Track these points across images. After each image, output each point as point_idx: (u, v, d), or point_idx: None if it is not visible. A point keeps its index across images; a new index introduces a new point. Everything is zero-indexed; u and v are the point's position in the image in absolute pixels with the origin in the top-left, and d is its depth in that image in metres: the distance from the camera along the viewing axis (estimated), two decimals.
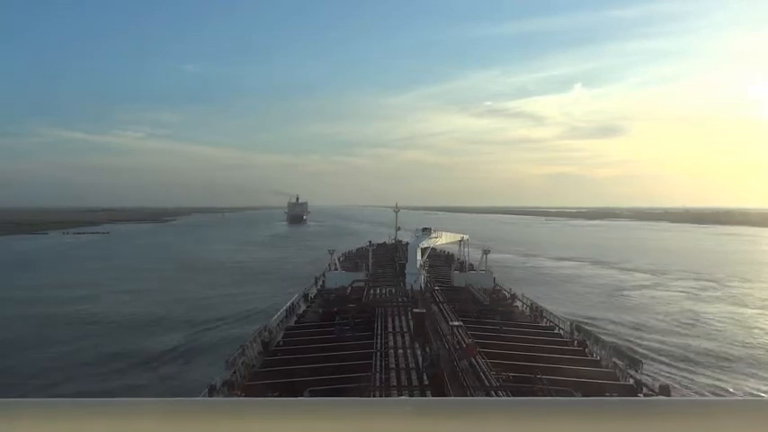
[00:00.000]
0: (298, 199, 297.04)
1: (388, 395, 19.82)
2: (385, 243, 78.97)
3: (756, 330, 45.94)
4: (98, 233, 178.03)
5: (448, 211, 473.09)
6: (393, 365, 23.49)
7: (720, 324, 47.64)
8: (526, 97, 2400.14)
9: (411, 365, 23.50)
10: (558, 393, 19.01)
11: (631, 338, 41.23)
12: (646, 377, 22.47)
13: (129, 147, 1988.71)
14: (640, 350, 36.03)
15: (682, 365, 34.96)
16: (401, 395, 19.86)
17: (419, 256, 42.60)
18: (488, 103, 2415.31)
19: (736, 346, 40.45)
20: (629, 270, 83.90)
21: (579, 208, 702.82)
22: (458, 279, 46.53)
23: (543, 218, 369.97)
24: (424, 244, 44.95)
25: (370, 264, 53.43)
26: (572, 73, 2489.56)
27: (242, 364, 23.09)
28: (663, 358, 36.12)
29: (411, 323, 29.64)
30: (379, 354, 24.79)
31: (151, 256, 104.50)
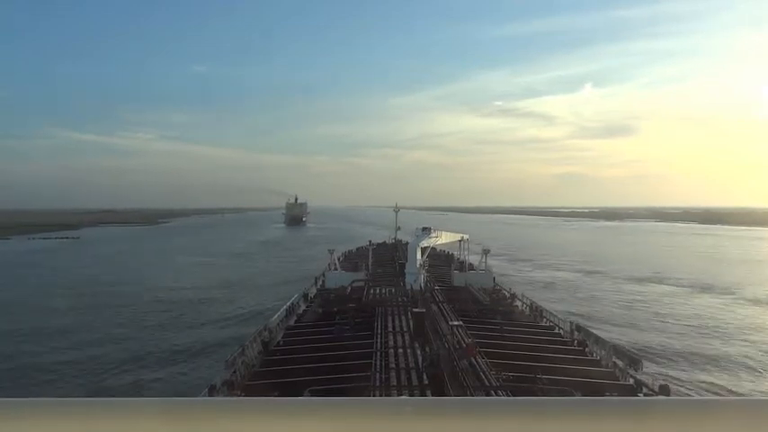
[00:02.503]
0: (297, 199, 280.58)
1: (388, 395, 19.82)
2: (385, 243, 79.00)
3: None
4: (66, 238, 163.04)
5: (456, 212, 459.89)
6: (393, 365, 23.49)
7: None
8: (536, 97, 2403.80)
9: (411, 365, 23.50)
10: (558, 393, 19.01)
11: None
12: (646, 377, 22.46)
13: (138, 148, 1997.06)
14: None
15: None
16: (401, 395, 19.86)
17: (419, 256, 42.61)
18: (498, 103, 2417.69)
19: None
20: None
21: (591, 208, 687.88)
22: (458, 279, 46.53)
23: (560, 219, 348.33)
24: (424, 244, 44.98)
25: (369, 263, 53.42)
26: (582, 73, 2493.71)
27: (242, 363, 23.11)
28: None
29: (411, 323, 29.64)
30: (378, 353, 24.79)
31: (83, 273, 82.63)
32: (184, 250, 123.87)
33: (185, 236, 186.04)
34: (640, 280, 74.05)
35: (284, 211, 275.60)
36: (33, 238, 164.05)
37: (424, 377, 21.86)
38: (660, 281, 73.28)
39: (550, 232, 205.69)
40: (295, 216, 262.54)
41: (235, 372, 22.17)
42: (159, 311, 53.26)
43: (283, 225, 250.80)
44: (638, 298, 61.36)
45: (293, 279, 63.76)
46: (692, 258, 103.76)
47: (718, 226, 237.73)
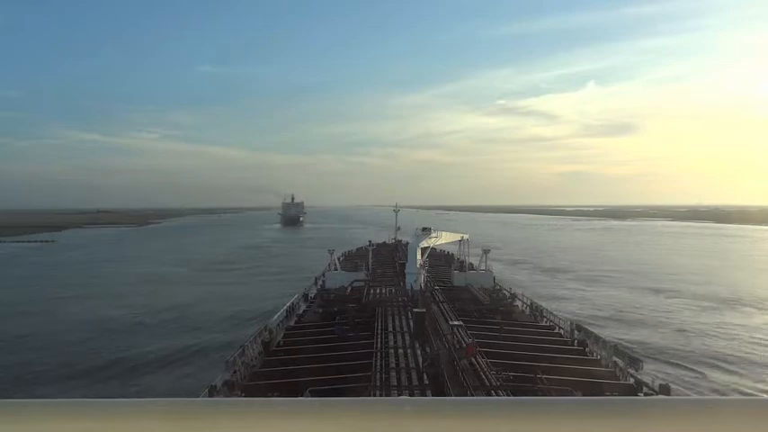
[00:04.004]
0: (293, 198, 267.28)
1: (388, 395, 19.81)
2: (385, 243, 78.95)
3: None
4: (40, 242, 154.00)
5: (459, 211, 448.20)
6: (393, 365, 23.50)
7: None
8: (539, 95, 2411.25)
9: (411, 365, 23.51)
10: (558, 393, 19.00)
11: None
12: (646, 377, 22.46)
13: (142, 148, 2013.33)
14: None
15: None
16: (401, 395, 19.85)
17: (419, 256, 42.58)
18: (501, 101, 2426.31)
19: None
20: None
21: (596, 206, 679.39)
22: (458, 279, 46.51)
23: (568, 218, 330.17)
24: (424, 244, 44.94)
25: (370, 264, 53.39)
26: (586, 71, 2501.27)
27: (242, 364, 23.13)
28: None
29: (411, 323, 29.65)
30: (379, 353, 24.79)
31: (7, 289, 68.57)
32: (154, 257, 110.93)
33: (168, 239, 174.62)
34: (729, 302, 57.45)
35: (280, 212, 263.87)
36: (3, 242, 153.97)
37: (424, 377, 21.87)
38: (751, 303, 56.99)
39: (565, 233, 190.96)
40: (291, 216, 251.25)
41: (235, 372, 22.19)
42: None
43: (279, 226, 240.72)
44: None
45: (259, 308, 47.59)
46: (750, 267, 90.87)
47: (735, 225, 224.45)
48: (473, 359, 23.32)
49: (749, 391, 32.25)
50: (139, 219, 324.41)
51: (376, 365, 23.09)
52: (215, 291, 66.13)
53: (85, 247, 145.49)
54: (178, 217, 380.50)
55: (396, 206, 63.54)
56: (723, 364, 36.55)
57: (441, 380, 20.96)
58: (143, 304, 57.56)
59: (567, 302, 53.96)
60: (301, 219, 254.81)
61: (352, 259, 59.32)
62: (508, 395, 19.08)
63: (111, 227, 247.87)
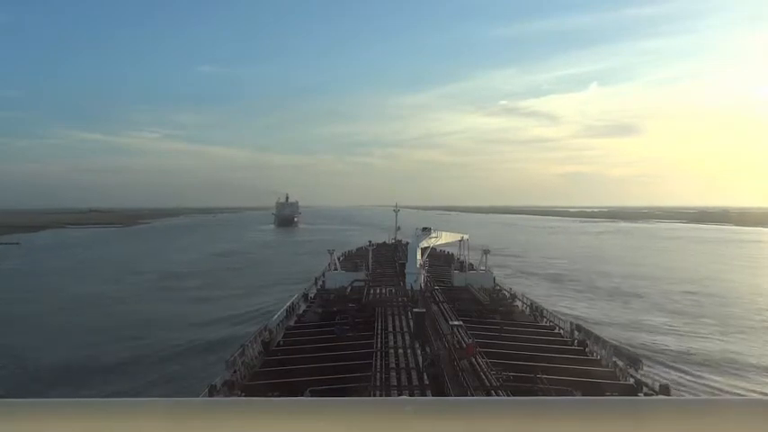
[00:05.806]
0: (287, 198, 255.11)
1: (388, 395, 19.80)
2: (385, 243, 78.92)
3: None
4: (4, 244, 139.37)
5: (461, 212, 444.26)
6: (393, 365, 23.49)
7: None
8: (541, 96, 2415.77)
9: (411, 365, 23.50)
10: (558, 393, 18.99)
11: None
12: (646, 377, 22.46)
13: (144, 148, 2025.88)
14: None
15: None
16: (401, 395, 19.83)
17: (419, 256, 42.57)
18: (503, 102, 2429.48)
19: None
20: None
21: (600, 207, 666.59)
22: (458, 279, 46.50)
23: (572, 220, 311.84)
24: (424, 244, 44.92)
25: (370, 264, 53.34)
26: (587, 72, 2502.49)
27: (242, 364, 23.13)
28: None
29: (411, 323, 29.63)
30: (379, 353, 24.78)
31: None
32: (107, 267, 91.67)
33: (146, 241, 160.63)
34: None
35: (274, 212, 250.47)
36: None
37: (425, 377, 21.86)
38: None
39: (581, 238, 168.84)
40: (286, 217, 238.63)
41: (235, 372, 22.19)
42: None
43: (272, 227, 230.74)
44: None
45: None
46: None
47: (753, 228, 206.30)
48: (473, 359, 23.31)
49: None
50: (128, 219, 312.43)
51: (376, 365, 23.07)
52: (128, 328, 44.62)
53: (46, 251, 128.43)
54: (172, 217, 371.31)
55: (396, 206, 63.57)
56: None
57: (441, 380, 20.96)
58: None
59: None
60: (296, 219, 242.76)
61: (352, 259, 59.26)
62: (508, 395, 19.07)
63: (95, 227, 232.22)
